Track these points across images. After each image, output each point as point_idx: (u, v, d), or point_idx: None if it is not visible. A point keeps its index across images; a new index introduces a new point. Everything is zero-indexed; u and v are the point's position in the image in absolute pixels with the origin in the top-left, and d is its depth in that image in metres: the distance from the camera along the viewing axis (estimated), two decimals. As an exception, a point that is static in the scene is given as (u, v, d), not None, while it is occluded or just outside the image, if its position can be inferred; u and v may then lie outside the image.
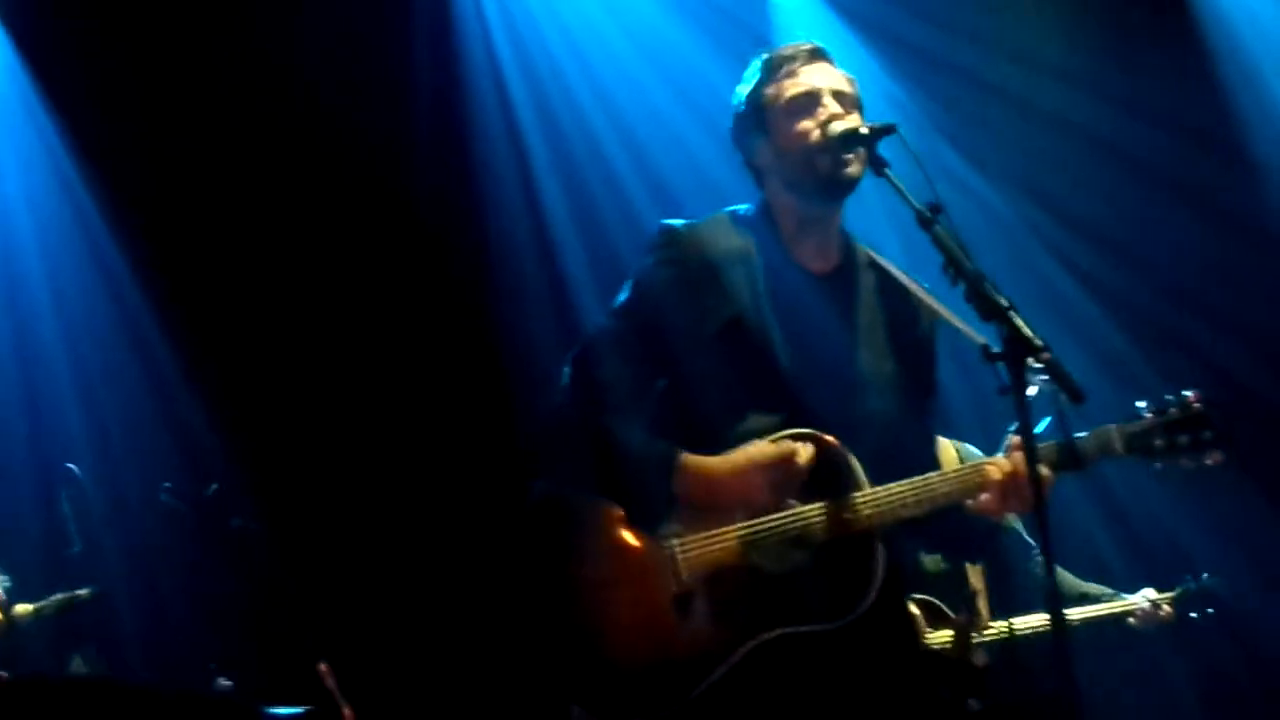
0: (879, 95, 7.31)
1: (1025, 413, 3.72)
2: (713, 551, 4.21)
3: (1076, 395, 3.71)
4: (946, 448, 5.88)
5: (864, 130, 4.25)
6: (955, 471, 4.24)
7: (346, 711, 5.33)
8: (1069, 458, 4.11)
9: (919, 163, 4.10)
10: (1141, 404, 4.17)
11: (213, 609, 6.26)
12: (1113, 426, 4.16)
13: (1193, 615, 6.26)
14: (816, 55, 4.46)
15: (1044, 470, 3.97)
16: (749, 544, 4.19)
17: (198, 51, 7.28)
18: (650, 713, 4.16)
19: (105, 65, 7.19)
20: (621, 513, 4.29)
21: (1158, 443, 4.12)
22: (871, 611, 4.12)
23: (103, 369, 7.25)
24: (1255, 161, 7.73)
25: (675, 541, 4.21)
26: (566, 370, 4.43)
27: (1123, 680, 6.76)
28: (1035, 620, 5.91)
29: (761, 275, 4.37)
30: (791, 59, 4.45)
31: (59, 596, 5.80)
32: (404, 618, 7.02)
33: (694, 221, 4.48)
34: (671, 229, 4.44)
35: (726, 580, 4.18)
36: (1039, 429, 3.85)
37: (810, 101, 4.36)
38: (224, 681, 5.64)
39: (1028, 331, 3.73)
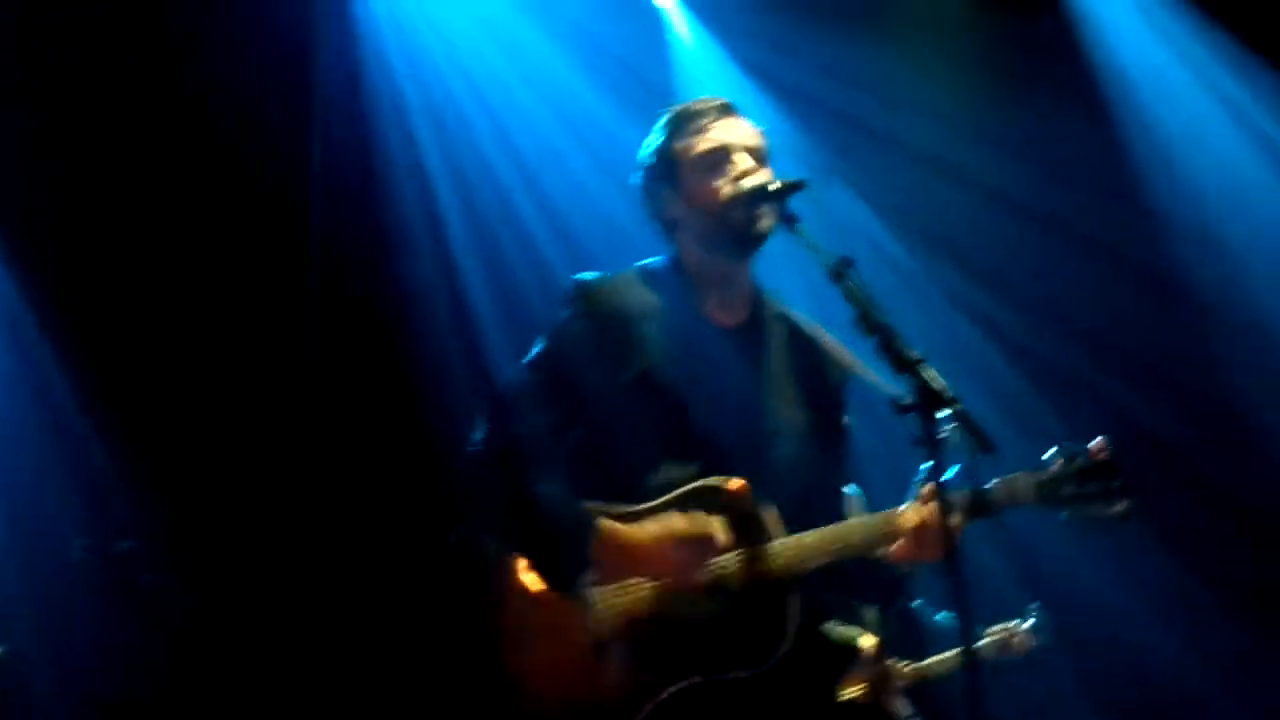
0: (782, 149, 7.37)
1: (938, 463, 3.78)
2: (629, 600, 4.24)
3: (987, 446, 3.75)
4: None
5: (774, 186, 4.31)
6: (868, 520, 4.29)
7: None
8: (979, 506, 4.15)
9: (828, 218, 4.17)
10: (1050, 452, 4.23)
11: (124, 665, 6.21)
12: (1022, 475, 4.21)
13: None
14: (727, 110, 4.52)
15: (955, 519, 4.04)
16: (665, 593, 4.23)
17: (89, 87, 7.20)
18: (569, 760, 4.18)
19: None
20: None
21: (1066, 491, 4.18)
22: (787, 659, 4.16)
23: (5, 421, 7.15)
24: (1151, 209, 7.86)
25: (593, 590, 4.24)
26: (481, 421, 4.44)
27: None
28: (938, 661, 5.97)
29: (672, 329, 4.40)
30: (702, 114, 4.50)
31: None
32: (323, 669, 6.97)
33: (605, 275, 4.51)
34: (584, 283, 4.47)
35: (643, 628, 4.21)
36: (947, 477, 3.90)
37: (721, 157, 4.41)
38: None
39: (939, 384, 3.78)
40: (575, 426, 4.39)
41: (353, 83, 7.56)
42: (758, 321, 4.55)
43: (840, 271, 4.05)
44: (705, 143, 4.45)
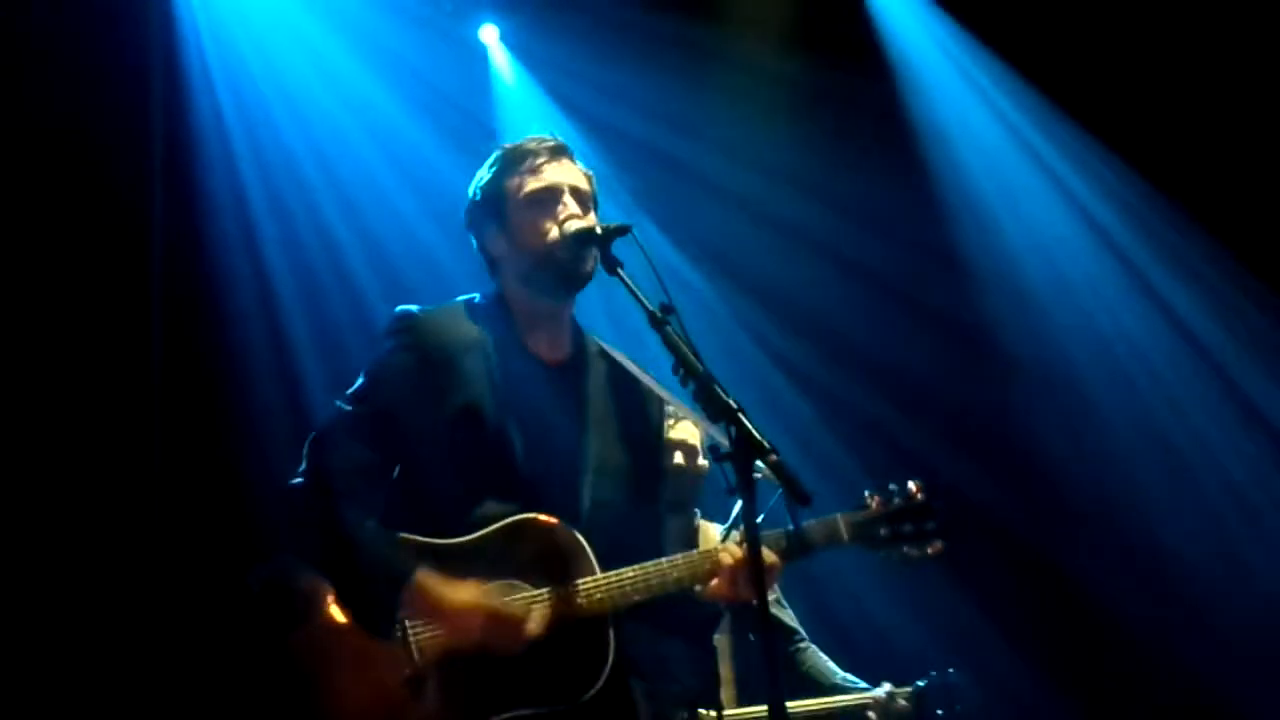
0: (603, 191, 7.43)
1: (751, 507, 3.83)
2: (445, 634, 4.22)
3: (803, 499, 3.82)
4: (708, 530, 6.03)
5: (599, 230, 4.35)
6: (686, 557, 4.32)
7: None
8: (796, 546, 4.23)
9: (650, 264, 4.21)
10: (867, 493, 4.33)
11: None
12: (839, 515, 4.31)
13: (938, 712, 6.24)
14: (559, 152, 4.55)
15: (772, 557, 4.12)
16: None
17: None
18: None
19: None
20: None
21: (882, 531, 4.29)
22: (602, 693, 4.19)
23: None
24: (967, 267, 8.04)
25: (407, 623, 4.21)
26: (304, 454, 4.40)
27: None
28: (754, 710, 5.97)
29: (495, 364, 4.41)
30: (533, 154, 4.53)
31: None
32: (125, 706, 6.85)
33: (430, 308, 4.51)
34: (408, 315, 4.46)
35: (459, 662, 4.18)
36: (761, 518, 3.93)
37: (549, 197, 4.45)
38: None
39: (756, 434, 3.83)
40: (397, 459, 4.37)
41: (181, 123, 7.48)
42: (580, 359, 4.59)
43: (661, 318, 4.11)
44: (535, 182, 4.48)
